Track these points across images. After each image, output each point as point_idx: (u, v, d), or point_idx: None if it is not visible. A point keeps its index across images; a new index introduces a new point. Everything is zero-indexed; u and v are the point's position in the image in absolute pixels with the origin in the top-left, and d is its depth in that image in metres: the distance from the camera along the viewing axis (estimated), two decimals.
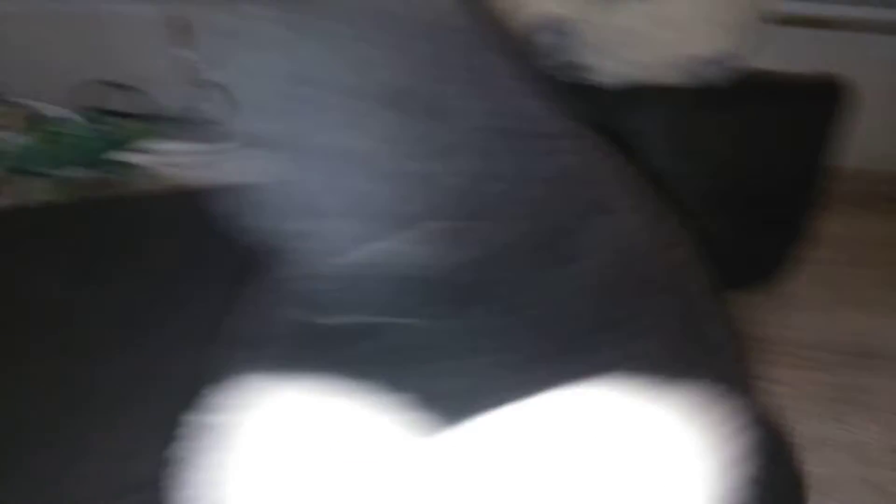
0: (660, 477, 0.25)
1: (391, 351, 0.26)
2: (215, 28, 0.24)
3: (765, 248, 0.55)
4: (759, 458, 0.28)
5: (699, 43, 0.50)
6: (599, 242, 0.28)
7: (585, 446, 0.25)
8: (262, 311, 0.28)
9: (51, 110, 0.75)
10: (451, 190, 0.25)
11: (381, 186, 0.24)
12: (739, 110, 0.48)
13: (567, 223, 0.28)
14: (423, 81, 0.25)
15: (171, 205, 0.52)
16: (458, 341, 0.26)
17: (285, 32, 0.24)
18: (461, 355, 0.26)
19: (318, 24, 0.24)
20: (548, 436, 0.24)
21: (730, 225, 0.51)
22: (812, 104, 0.51)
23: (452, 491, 0.24)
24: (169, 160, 0.69)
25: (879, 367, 0.48)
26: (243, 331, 0.28)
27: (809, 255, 0.57)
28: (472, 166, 0.25)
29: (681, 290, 0.34)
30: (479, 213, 0.25)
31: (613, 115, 0.47)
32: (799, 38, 0.79)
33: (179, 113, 0.76)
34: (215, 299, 0.35)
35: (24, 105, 0.75)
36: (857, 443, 0.41)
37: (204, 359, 0.28)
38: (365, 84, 0.24)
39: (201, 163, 0.63)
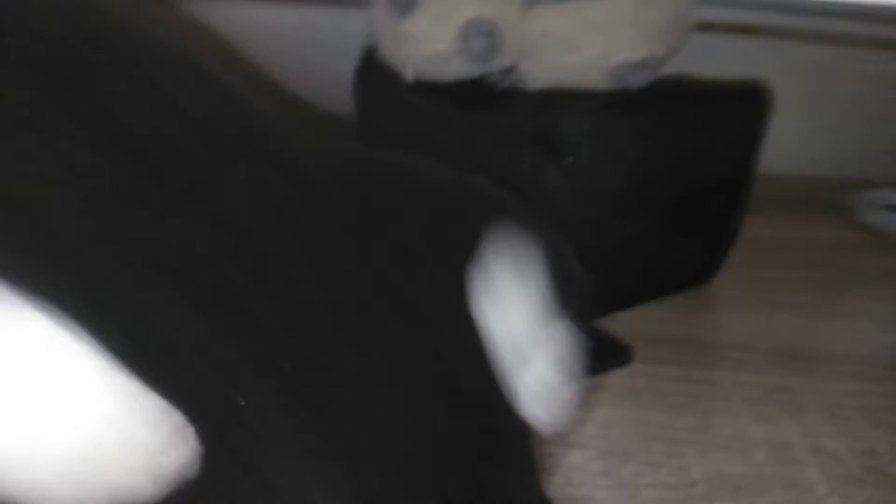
0: None
1: None
2: None
3: (692, 252, 0.56)
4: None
5: (624, 47, 0.50)
6: None
7: None
8: None
9: None
10: None
11: None
12: (662, 114, 0.49)
13: None
14: None
15: None
16: None
17: None
18: None
19: None
20: None
21: (655, 228, 0.51)
22: (734, 109, 0.52)
23: None
24: None
25: (805, 369, 0.49)
26: None
27: (738, 259, 0.58)
28: None
29: None
30: None
31: (538, 119, 0.47)
32: (720, 45, 0.81)
33: None
34: None
35: None
36: (781, 443, 0.41)
37: None
38: None
39: None
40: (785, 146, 0.67)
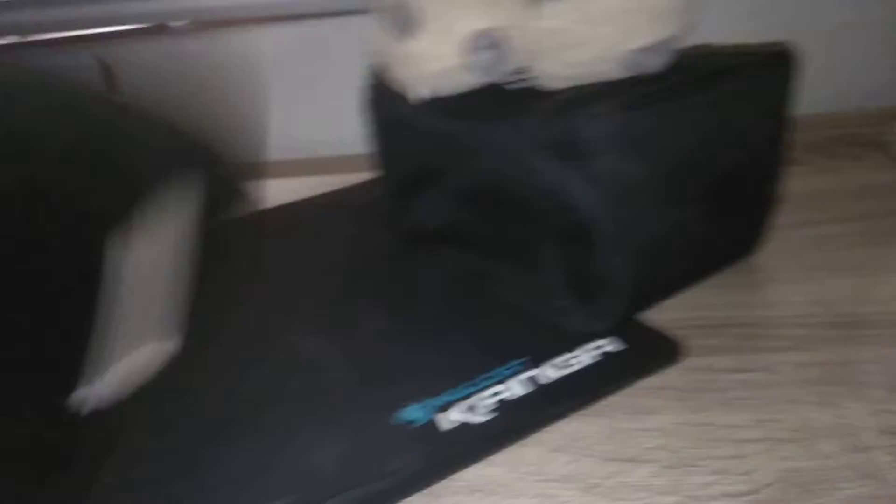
0: None
1: None
2: None
3: (733, 230, 0.54)
4: None
5: (634, 35, 0.49)
6: None
7: None
8: None
9: None
10: None
11: None
12: (685, 98, 0.47)
13: None
14: None
15: None
16: None
17: None
18: None
19: None
20: None
21: (692, 215, 0.50)
22: (761, 80, 0.50)
23: None
24: None
25: (864, 338, 0.47)
26: None
27: (779, 222, 0.56)
28: None
29: None
30: None
31: (556, 126, 0.46)
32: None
33: None
34: None
35: None
36: (848, 428, 0.40)
37: None
38: None
39: None
40: (810, 85, 0.64)
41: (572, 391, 0.43)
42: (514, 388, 0.44)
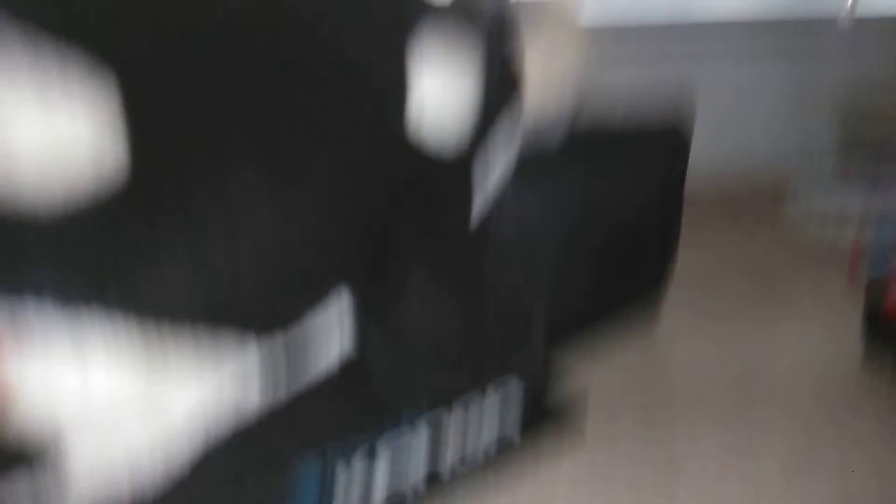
0: None
1: None
2: None
3: (632, 288, 0.55)
4: None
5: (534, 101, 0.50)
6: None
7: None
8: None
9: None
10: None
11: None
12: (579, 173, 0.48)
13: None
14: None
15: None
16: None
17: None
18: None
19: None
20: None
21: (593, 277, 0.50)
22: (654, 153, 0.51)
23: None
24: None
25: (760, 410, 0.47)
26: None
27: (678, 282, 0.57)
28: None
29: None
30: None
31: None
32: (635, 75, 0.82)
33: None
34: None
35: None
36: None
37: None
38: None
39: None
40: (708, 155, 0.66)
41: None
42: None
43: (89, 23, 0.30)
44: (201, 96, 0.34)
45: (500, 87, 0.41)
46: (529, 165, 0.47)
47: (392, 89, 0.36)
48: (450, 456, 0.41)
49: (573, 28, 0.53)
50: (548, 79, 0.51)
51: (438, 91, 0.36)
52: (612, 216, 0.50)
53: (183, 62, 0.34)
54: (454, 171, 0.40)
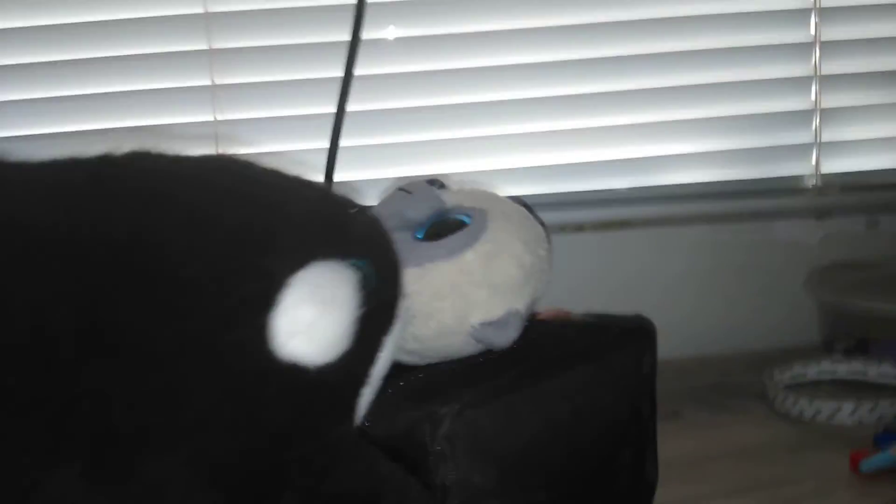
0: None
1: None
2: None
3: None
4: None
5: (480, 308, 0.45)
6: None
7: None
8: None
9: None
10: None
11: None
12: (537, 384, 0.42)
13: None
14: None
15: None
16: None
17: None
18: None
19: None
20: None
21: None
22: (619, 356, 0.46)
23: None
24: None
25: None
26: None
27: (668, 498, 0.50)
28: None
29: None
30: None
31: (394, 427, 0.39)
32: (594, 242, 0.80)
33: None
34: None
35: None
36: None
37: None
38: None
39: None
40: (680, 333, 0.62)
41: None
42: None
43: None
44: None
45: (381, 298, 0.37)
46: (470, 378, 0.41)
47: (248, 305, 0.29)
48: None
49: (518, 221, 0.49)
50: (494, 281, 0.46)
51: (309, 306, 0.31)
52: (579, 432, 0.44)
53: None
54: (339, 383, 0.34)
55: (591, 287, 0.69)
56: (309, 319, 0.31)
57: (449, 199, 0.49)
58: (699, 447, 0.63)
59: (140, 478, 0.26)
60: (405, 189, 0.49)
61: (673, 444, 0.52)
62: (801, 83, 0.81)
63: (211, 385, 0.27)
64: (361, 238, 0.37)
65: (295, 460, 0.31)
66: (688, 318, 0.65)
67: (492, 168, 0.77)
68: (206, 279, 0.28)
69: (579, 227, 0.78)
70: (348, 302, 0.34)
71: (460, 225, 0.46)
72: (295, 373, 0.30)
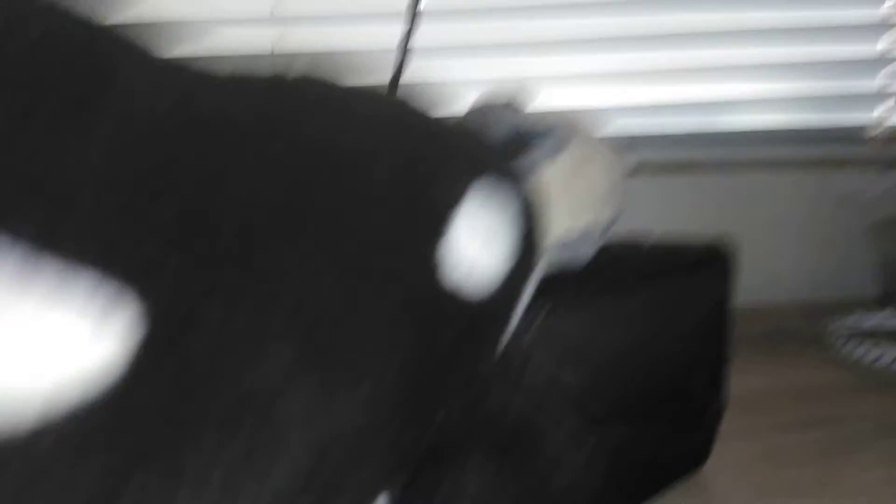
0: None
1: None
2: None
3: (678, 443, 0.48)
4: None
5: (561, 220, 0.45)
6: None
7: None
8: None
9: None
10: None
11: None
12: (615, 301, 0.42)
13: None
14: None
15: None
16: None
17: None
18: None
19: None
20: None
21: (633, 428, 0.43)
22: (697, 279, 0.46)
23: None
24: None
25: None
26: None
27: (726, 428, 0.50)
28: None
29: None
30: None
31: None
32: (676, 186, 0.79)
33: None
34: None
35: None
36: None
37: None
38: None
39: None
40: (751, 277, 0.62)
41: None
42: None
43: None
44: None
45: (527, 216, 0.36)
46: (556, 287, 0.41)
47: (425, 227, 0.29)
48: None
49: (597, 140, 0.49)
50: (575, 195, 0.46)
51: (470, 231, 0.31)
52: (653, 354, 0.44)
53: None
54: (493, 318, 0.33)
55: (646, 231, 0.69)
56: (472, 253, 0.31)
57: (524, 121, 0.49)
58: (756, 385, 0.63)
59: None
60: (481, 108, 0.49)
61: (731, 382, 0.52)
62: (871, 30, 0.79)
63: (386, 294, 0.27)
64: (516, 173, 0.37)
65: (452, 389, 0.32)
66: (745, 267, 0.64)
67: (558, 105, 0.77)
68: (393, 186, 0.28)
69: (640, 169, 0.77)
70: (508, 235, 0.34)
71: (541, 142, 0.46)
72: (458, 303, 0.30)
